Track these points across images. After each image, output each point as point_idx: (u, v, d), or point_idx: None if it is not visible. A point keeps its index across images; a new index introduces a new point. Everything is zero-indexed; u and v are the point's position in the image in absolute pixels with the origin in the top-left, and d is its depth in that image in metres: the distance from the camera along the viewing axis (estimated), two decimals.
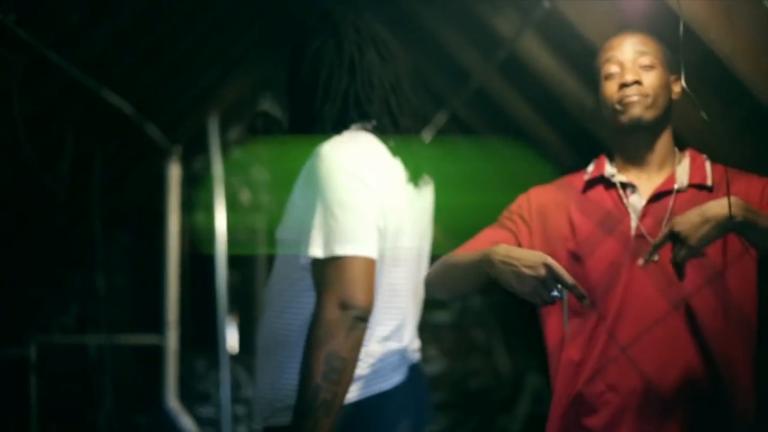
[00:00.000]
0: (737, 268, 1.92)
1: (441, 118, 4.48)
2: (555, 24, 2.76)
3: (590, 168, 2.08)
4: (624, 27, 2.52)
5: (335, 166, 1.78)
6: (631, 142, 2.02)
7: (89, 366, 5.83)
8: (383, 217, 1.79)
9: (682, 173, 2.01)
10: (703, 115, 1.71)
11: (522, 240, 2.00)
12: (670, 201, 1.97)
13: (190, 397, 5.45)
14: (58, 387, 5.53)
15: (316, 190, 1.76)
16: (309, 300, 1.77)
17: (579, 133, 3.34)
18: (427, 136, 4.70)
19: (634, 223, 1.97)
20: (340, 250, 1.71)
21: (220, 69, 4.64)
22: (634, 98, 1.95)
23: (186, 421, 4.92)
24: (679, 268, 1.72)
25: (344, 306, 1.67)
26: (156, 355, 4.97)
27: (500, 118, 3.86)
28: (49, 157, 3.85)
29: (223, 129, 5.11)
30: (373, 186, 1.79)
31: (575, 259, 1.98)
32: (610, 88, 1.99)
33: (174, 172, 4.86)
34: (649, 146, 2.01)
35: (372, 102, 1.89)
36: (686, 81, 1.85)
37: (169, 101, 4.57)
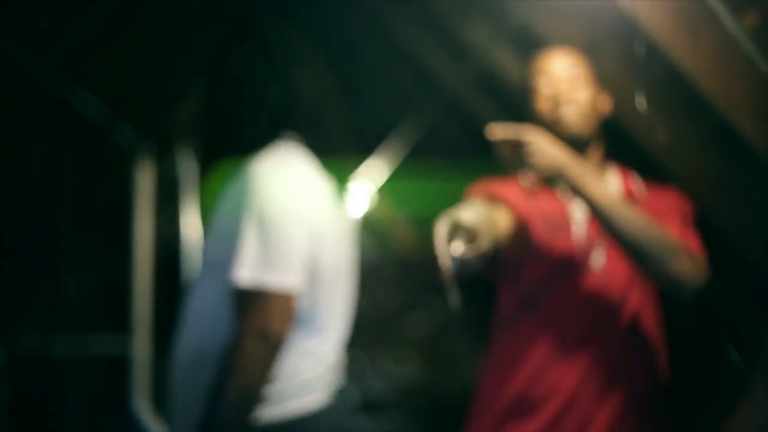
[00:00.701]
0: None
1: (405, 135, 4.45)
2: (528, 37, 2.76)
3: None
4: (595, 40, 2.56)
5: (267, 188, 1.69)
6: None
7: (58, 370, 5.76)
8: (313, 240, 1.72)
9: (613, 185, 2.09)
10: (662, 133, 1.75)
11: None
12: None
13: (161, 402, 5.40)
14: (26, 392, 5.46)
15: (245, 211, 1.66)
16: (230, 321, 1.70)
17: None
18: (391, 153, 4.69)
19: (578, 229, 2.02)
20: (268, 279, 1.63)
21: (194, 69, 4.59)
22: (571, 117, 2.00)
23: (155, 426, 4.87)
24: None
25: (265, 338, 1.60)
26: (126, 360, 4.92)
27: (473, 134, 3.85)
28: (18, 159, 3.81)
29: (195, 130, 5.06)
30: (304, 210, 1.73)
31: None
32: (545, 105, 2.03)
33: (145, 175, 4.81)
34: (582, 159, 2.03)
35: (301, 114, 1.84)
36: (652, 97, 1.87)
37: (142, 102, 4.53)
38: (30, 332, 6.00)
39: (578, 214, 2.05)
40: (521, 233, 1.97)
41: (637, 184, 2.13)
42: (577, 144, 2.01)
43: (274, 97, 1.80)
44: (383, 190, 6.33)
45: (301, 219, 1.71)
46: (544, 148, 1.76)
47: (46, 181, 3.99)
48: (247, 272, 1.62)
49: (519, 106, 2.15)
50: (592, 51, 2.61)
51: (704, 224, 2.09)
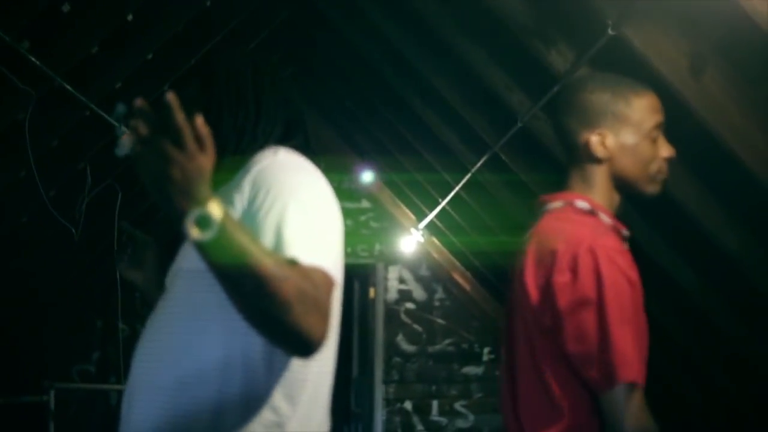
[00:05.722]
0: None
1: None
2: (615, 55, 2.49)
3: (604, 216, 1.76)
4: (698, 57, 2.28)
5: (310, 178, 1.52)
6: (618, 200, 1.81)
7: (109, 412, 5.65)
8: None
9: None
10: None
11: None
12: None
13: None
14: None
15: (280, 197, 1.43)
16: (220, 330, 1.44)
17: None
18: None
19: None
20: (324, 265, 1.37)
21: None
22: (666, 175, 1.80)
23: None
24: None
25: (316, 295, 1.31)
26: None
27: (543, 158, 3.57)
28: (67, 196, 3.66)
29: None
30: (337, 211, 1.54)
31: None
32: (655, 153, 1.77)
33: None
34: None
35: (297, 123, 1.69)
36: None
37: None
38: (82, 374, 5.90)
39: None
40: None
41: None
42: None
43: (275, 105, 1.67)
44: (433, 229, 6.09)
45: (338, 218, 1.54)
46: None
47: (97, 218, 3.82)
48: (302, 249, 1.36)
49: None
50: (695, 70, 2.37)
51: None
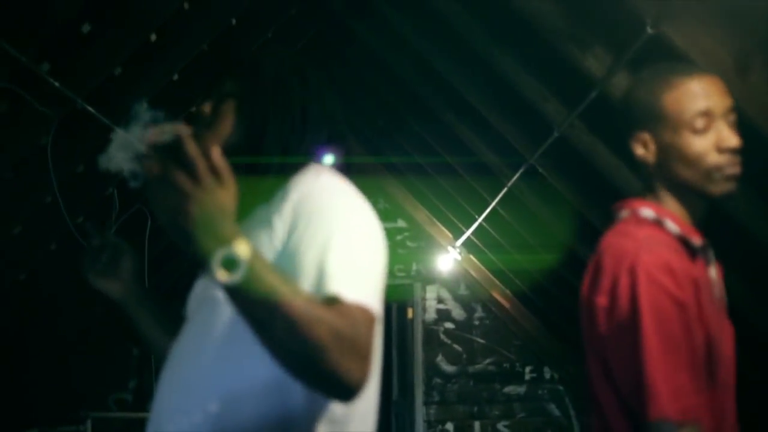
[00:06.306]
0: None
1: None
2: (655, 56, 2.36)
3: (671, 225, 1.60)
4: (744, 54, 2.15)
5: (349, 198, 1.40)
6: (695, 206, 1.63)
7: None
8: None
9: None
10: None
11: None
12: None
13: None
14: None
15: (323, 226, 1.32)
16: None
17: None
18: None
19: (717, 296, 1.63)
20: (367, 300, 1.26)
21: None
22: (736, 170, 1.57)
23: None
24: None
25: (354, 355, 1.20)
26: None
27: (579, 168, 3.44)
28: (94, 221, 3.59)
29: None
30: (379, 233, 1.42)
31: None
32: (706, 145, 1.56)
33: None
34: (705, 213, 1.64)
35: (339, 139, 1.56)
36: None
37: None
38: (119, 403, 5.87)
39: (713, 272, 1.64)
40: None
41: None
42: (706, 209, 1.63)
43: (319, 116, 1.55)
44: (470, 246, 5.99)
45: (382, 245, 1.41)
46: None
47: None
48: (347, 285, 1.25)
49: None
50: (741, 68, 2.23)
51: None
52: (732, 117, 1.59)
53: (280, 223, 1.37)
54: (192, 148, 1.09)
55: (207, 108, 1.54)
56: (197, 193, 1.10)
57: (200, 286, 1.52)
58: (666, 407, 1.40)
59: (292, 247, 1.32)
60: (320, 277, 1.25)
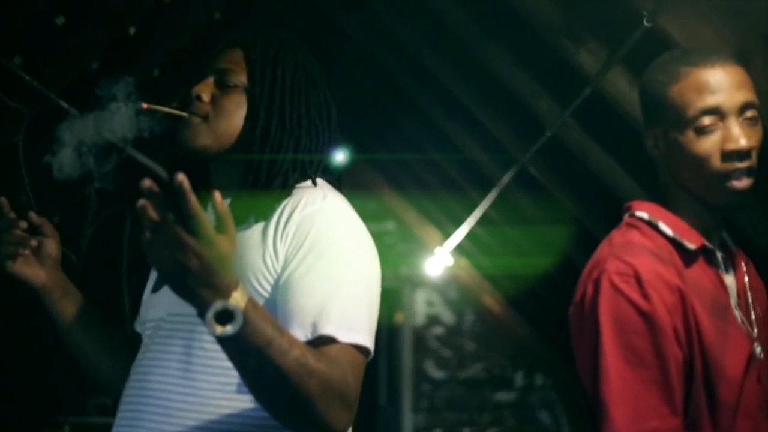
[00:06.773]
0: None
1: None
2: (652, 50, 2.28)
3: (664, 227, 1.46)
4: (744, 47, 2.06)
5: (352, 226, 1.38)
6: (703, 211, 1.46)
7: None
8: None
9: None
10: None
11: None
12: (745, 278, 1.52)
13: None
14: None
15: (323, 252, 1.31)
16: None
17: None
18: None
19: (734, 308, 1.47)
20: (363, 341, 1.27)
21: None
22: (743, 184, 1.39)
23: None
24: None
25: (343, 391, 1.21)
26: None
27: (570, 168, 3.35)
28: (71, 223, 3.50)
29: None
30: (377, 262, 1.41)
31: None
32: (708, 148, 1.39)
33: None
34: (717, 218, 1.49)
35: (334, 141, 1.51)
36: None
37: None
38: (99, 408, 5.79)
39: (730, 280, 1.50)
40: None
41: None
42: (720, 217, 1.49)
43: (327, 130, 1.49)
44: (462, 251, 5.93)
45: (379, 275, 1.41)
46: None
47: (104, 246, 3.66)
48: (338, 324, 1.26)
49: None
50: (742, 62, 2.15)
51: None
52: (751, 114, 1.41)
53: (281, 245, 1.33)
54: (193, 200, 1.01)
55: (205, 94, 1.44)
56: (197, 247, 1.03)
57: (163, 307, 1.41)
58: (624, 428, 1.30)
59: (289, 275, 1.30)
60: (318, 316, 1.25)
